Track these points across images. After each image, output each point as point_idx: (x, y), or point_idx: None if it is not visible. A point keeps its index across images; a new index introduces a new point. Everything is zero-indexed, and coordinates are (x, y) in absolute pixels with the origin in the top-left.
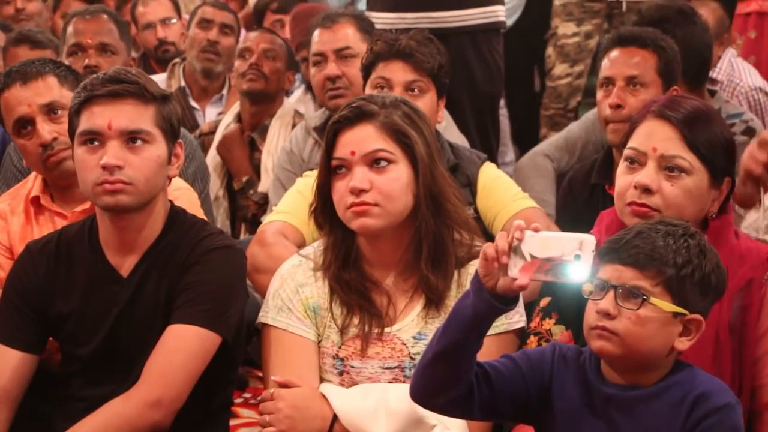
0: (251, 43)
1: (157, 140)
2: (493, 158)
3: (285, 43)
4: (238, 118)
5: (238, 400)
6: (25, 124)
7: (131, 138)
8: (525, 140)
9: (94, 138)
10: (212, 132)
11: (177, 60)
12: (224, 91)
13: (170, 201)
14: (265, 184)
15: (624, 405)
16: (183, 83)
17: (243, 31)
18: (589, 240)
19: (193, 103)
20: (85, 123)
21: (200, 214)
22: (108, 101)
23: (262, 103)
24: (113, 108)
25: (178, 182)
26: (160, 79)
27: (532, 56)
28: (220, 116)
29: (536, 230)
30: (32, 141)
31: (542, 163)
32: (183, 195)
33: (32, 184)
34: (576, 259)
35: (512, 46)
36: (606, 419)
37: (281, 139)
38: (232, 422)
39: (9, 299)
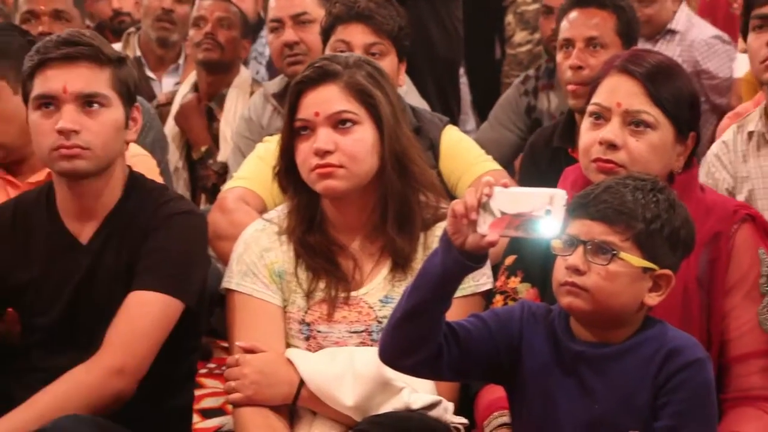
0: (205, 11)
1: (114, 104)
2: (454, 125)
3: (240, 10)
4: (195, 87)
5: (202, 371)
6: None
7: (87, 102)
8: (486, 108)
9: (49, 102)
10: (169, 103)
11: (132, 30)
12: (180, 61)
13: (129, 166)
14: (224, 154)
15: (594, 362)
16: (138, 53)
17: None
18: (560, 194)
19: (150, 74)
20: (39, 87)
21: (159, 180)
22: (62, 64)
23: (218, 72)
24: (68, 71)
25: (135, 148)
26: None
27: (493, 24)
28: (176, 86)
29: (506, 186)
30: None
31: None
32: (141, 162)
33: None
34: (547, 214)
35: (473, 13)
36: (576, 377)
37: (239, 107)
38: (197, 392)
39: None
